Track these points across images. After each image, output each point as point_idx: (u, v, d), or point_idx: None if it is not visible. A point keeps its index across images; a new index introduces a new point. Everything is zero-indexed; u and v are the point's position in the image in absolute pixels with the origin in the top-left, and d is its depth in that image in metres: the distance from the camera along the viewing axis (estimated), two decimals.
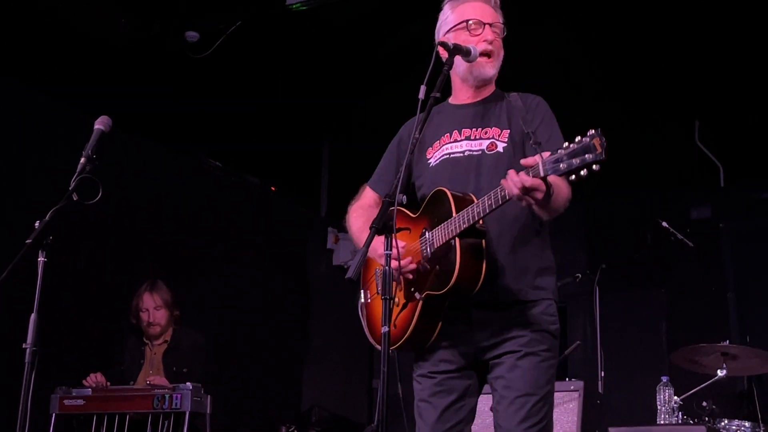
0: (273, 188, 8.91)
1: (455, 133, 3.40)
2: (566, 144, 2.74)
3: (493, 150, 3.29)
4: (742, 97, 7.55)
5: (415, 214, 3.35)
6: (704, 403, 5.63)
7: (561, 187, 3.04)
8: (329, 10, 6.65)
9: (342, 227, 9.22)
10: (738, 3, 6.43)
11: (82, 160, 3.54)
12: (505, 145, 3.29)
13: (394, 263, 2.99)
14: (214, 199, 7.88)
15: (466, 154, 3.33)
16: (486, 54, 3.35)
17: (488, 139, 3.32)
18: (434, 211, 3.22)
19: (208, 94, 7.54)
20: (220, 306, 7.57)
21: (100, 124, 3.67)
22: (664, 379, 5.74)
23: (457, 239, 3.07)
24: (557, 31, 6.76)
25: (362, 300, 3.53)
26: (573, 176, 2.72)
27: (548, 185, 2.86)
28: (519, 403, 3.13)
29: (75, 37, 6.54)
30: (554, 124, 3.33)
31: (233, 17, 6.84)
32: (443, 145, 3.40)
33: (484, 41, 3.34)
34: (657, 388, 5.74)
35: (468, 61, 3.33)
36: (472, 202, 3.10)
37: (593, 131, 2.69)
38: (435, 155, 3.41)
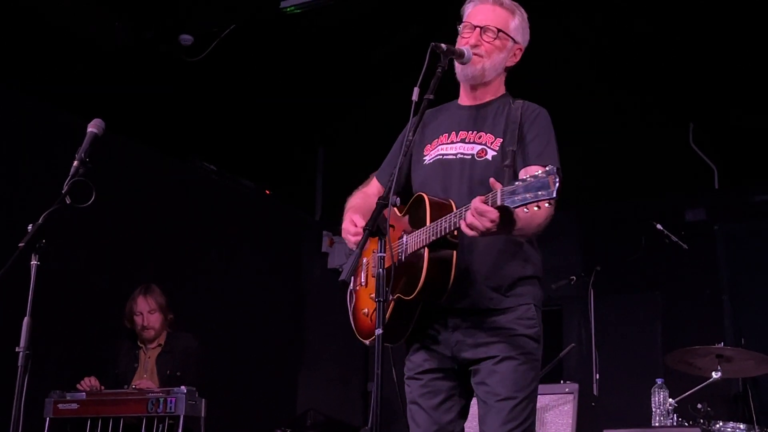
0: (268, 192, 8.90)
1: (452, 134, 3.44)
2: (525, 177, 2.79)
3: (482, 157, 3.32)
4: (736, 100, 7.56)
5: (401, 213, 3.40)
6: (699, 406, 5.62)
7: (534, 214, 3.04)
8: (324, 13, 6.64)
9: (337, 231, 9.21)
10: (732, 5, 6.43)
11: (75, 163, 3.53)
12: (495, 153, 3.31)
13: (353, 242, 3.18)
14: (208, 203, 7.87)
15: (458, 156, 3.37)
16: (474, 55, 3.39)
17: (481, 144, 3.34)
18: (414, 215, 3.28)
19: (203, 98, 7.53)
20: (215, 309, 7.56)
21: (94, 127, 3.66)
22: (659, 381, 5.74)
23: (426, 249, 3.12)
24: (552, 34, 6.77)
25: (350, 287, 3.59)
26: (526, 209, 2.77)
27: (504, 214, 2.88)
28: (499, 407, 3.17)
29: (69, 40, 6.54)
30: (549, 139, 3.33)
31: (227, 20, 6.83)
32: (439, 144, 3.45)
33: (467, 44, 3.38)
34: (652, 391, 5.74)
35: (463, 63, 3.37)
36: (451, 210, 3.14)
37: (551, 167, 2.74)
38: (430, 154, 3.46)
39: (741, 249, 7.86)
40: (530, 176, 2.75)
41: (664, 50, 7.06)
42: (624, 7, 6.58)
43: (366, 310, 3.41)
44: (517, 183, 2.77)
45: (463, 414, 3.37)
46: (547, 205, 2.76)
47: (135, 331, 6.10)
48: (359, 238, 3.06)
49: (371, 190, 3.69)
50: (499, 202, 2.82)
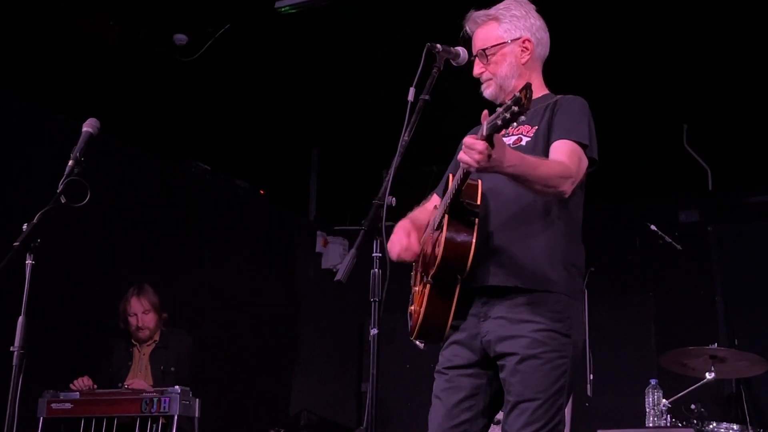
0: (262, 192, 8.90)
1: None
2: (505, 100, 2.81)
3: (517, 144, 3.31)
4: (730, 101, 7.58)
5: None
6: (693, 406, 5.63)
7: (544, 163, 3.06)
8: (318, 14, 6.65)
9: (331, 231, 9.24)
10: (725, 8, 6.45)
11: (70, 162, 3.53)
12: (529, 139, 3.31)
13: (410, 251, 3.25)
14: (203, 203, 7.87)
15: None
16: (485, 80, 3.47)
17: (517, 135, 3.35)
18: (445, 195, 3.27)
19: (197, 98, 7.53)
20: (209, 309, 7.55)
21: (89, 126, 3.66)
22: (653, 381, 5.75)
23: (446, 216, 3.11)
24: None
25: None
26: (506, 128, 2.76)
27: (492, 145, 2.84)
28: (520, 409, 3.12)
29: (63, 41, 6.53)
30: (582, 119, 3.31)
31: (222, 20, 6.83)
32: None
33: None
34: (646, 391, 5.76)
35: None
36: (474, 184, 3.15)
37: (523, 86, 2.71)
38: None
39: (734, 250, 7.88)
40: (508, 99, 2.74)
41: (658, 52, 7.07)
42: (618, 9, 6.59)
43: (414, 306, 3.41)
44: (498, 109, 2.76)
45: (486, 413, 3.30)
46: (522, 119, 2.73)
47: (129, 332, 6.09)
48: (409, 249, 3.24)
49: (430, 204, 3.67)
50: (485, 132, 2.79)
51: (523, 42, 3.49)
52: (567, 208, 3.32)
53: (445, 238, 3.07)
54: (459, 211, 3.10)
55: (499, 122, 2.72)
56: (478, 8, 3.54)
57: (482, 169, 2.89)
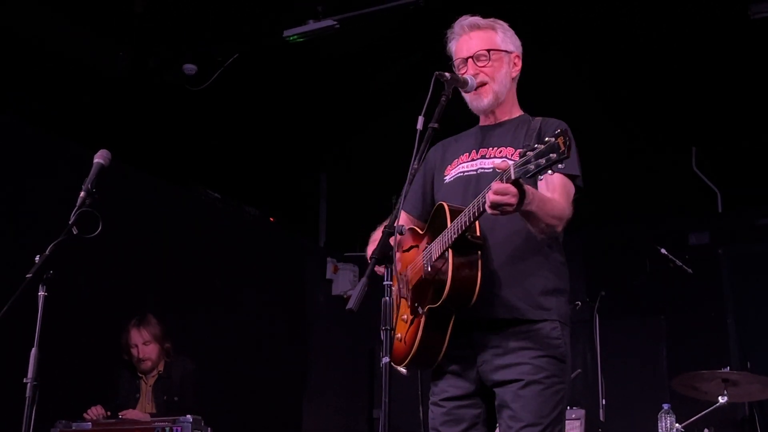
0: (272, 219, 8.92)
1: (473, 152, 3.47)
2: (536, 145, 2.74)
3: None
4: (739, 123, 7.58)
5: (422, 230, 3.41)
6: (706, 430, 5.61)
7: (551, 201, 3.07)
8: (326, 42, 6.68)
9: (341, 257, 9.24)
10: (733, 31, 6.47)
11: (82, 193, 3.54)
12: None
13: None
14: (213, 230, 7.88)
15: (478, 171, 3.38)
16: (479, 84, 3.44)
17: (501, 157, 3.34)
18: (435, 225, 3.27)
19: (207, 125, 7.56)
20: (219, 337, 7.55)
21: (100, 158, 3.68)
22: (666, 406, 5.72)
23: (450, 251, 3.10)
24: (553, 60, 6.80)
25: None
26: (540, 175, 2.73)
27: (522, 190, 2.86)
28: None
29: (73, 71, 6.57)
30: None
31: (231, 49, 6.88)
32: (460, 163, 3.47)
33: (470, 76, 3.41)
34: (659, 416, 5.72)
35: (467, 92, 3.41)
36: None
37: (559, 130, 2.70)
38: (451, 173, 3.48)
39: (745, 272, 7.86)
40: (540, 143, 2.71)
41: (667, 75, 7.08)
42: (626, 32, 6.61)
43: (399, 335, 3.39)
44: (528, 153, 2.73)
45: None
46: (561, 167, 2.70)
47: (132, 363, 6.08)
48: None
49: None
50: (513, 176, 2.78)
51: (515, 57, 3.53)
52: (555, 236, 3.32)
53: (452, 273, 3.07)
54: (463, 246, 3.10)
55: (532, 167, 2.71)
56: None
57: (512, 212, 2.91)
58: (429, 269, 3.22)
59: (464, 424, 3.29)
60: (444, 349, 3.22)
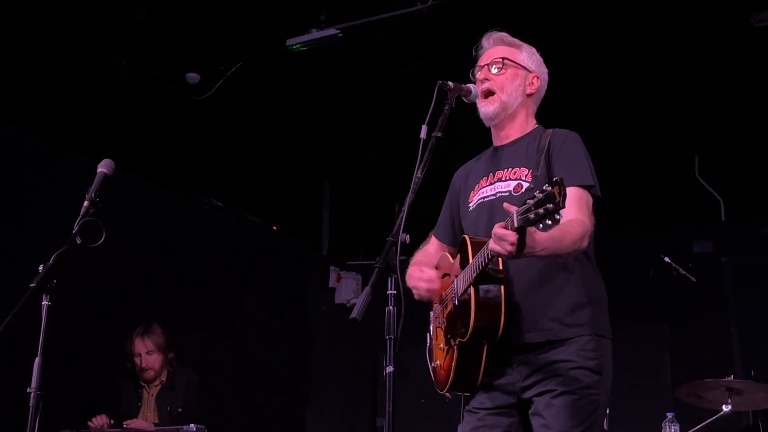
0: (274, 227, 8.92)
1: (490, 176, 3.50)
2: (535, 194, 2.76)
3: (519, 191, 3.34)
4: (742, 131, 7.57)
5: (453, 258, 3.46)
6: None
7: (564, 236, 3.06)
8: (329, 51, 6.69)
9: (344, 265, 9.24)
10: (736, 39, 6.47)
11: (86, 203, 3.55)
12: (529, 185, 3.33)
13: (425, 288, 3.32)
14: (215, 239, 7.88)
15: (497, 196, 3.41)
16: (484, 93, 3.47)
17: (516, 180, 3.38)
18: (461, 258, 3.30)
19: (209, 135, 7.57)
20: (222, 345, 7.55)
21: (104, 167, 3.68)
22: (670, 415, 5.71)
23: (472, 288, 3.13)
24: (555, 67, 6.80)
25: (428, 343, 3.64)
26: (541, 225, 2.75)
27: (524, 235, 2.87)
28: None
29: (76, 80, 6.58)
30: (580, 158, 3.36)
31: (234, 58, 6.89)
32: (480, 189, 3.51)
33: (480, 82, 3.47)
34: (662, 425, 5.71)
35: (469, 101, 3.42)
36: None
37: (556, 178, 2.73)
38: (473, 199, 3.52)
39: (749, 281, 7.85)
40: (538, 192, 2.74)
41: (669, 82, 7.08)
42: (629, 40, 6.61)
43: (438, 362, 3.46)
44: (528, 201, 2.76)
45: None
46: (557, 217, 2.71)
47: (135, 372, 6.08)
48: (432, 284, 3.31)
49: (430, 247, 3.75)
50: (516, 224, 2.80)
51: (534, 77, 3.57)
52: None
53: (475, 311, 3.11)
54: (485, 280, 3.13)
55: (532, 216, 2.73)
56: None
57: (513, 258, 2.93)
58: (456, 303, 3.27)
59: (498, 430, 3.33)
60: (481, 373, 3.29)
